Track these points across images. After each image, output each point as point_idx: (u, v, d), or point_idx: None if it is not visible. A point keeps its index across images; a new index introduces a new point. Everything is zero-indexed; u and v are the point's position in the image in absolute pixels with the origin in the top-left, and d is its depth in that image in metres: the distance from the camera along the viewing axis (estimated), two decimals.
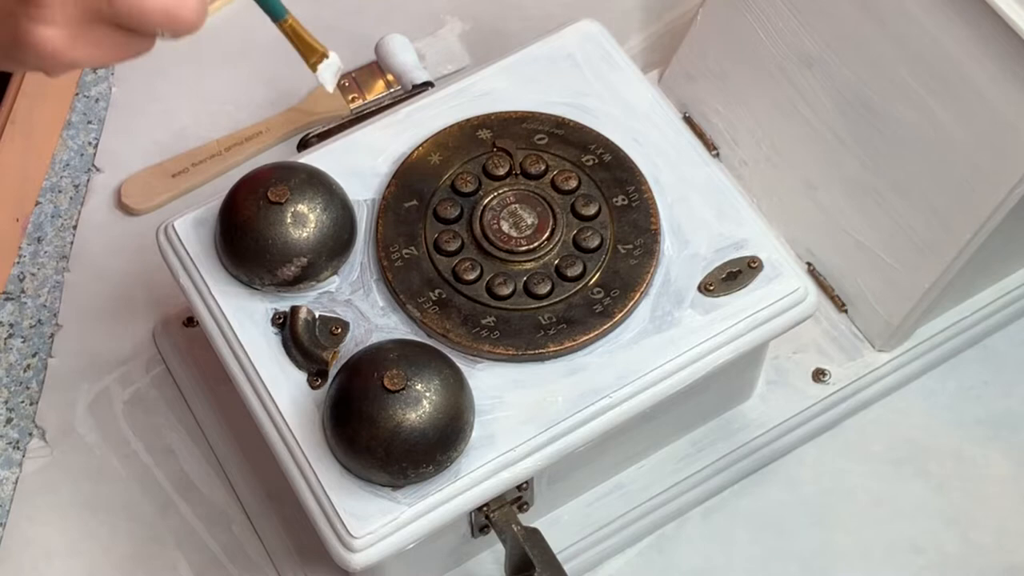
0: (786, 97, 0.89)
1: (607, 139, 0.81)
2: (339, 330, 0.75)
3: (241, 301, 0.77)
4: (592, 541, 0.83)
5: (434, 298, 0.76)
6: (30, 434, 0.89)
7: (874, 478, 0.86)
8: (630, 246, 0.78)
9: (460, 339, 0.75)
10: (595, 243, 0.77)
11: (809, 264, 0.90)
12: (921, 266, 0.84)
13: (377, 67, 0.99)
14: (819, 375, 0.88)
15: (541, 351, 0.75)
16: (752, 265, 0.77)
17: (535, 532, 0.74)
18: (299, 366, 0.75)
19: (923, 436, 0.88)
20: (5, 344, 0.91)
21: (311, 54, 0.70)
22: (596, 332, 0.75)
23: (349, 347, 0.75)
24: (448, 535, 0.77)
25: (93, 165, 0.99)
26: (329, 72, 0.71)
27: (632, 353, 0.75)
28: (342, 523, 0.71)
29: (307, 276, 0.76)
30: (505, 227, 0.77)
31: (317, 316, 0.76)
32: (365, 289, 0.77)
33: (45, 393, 0.90)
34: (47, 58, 0.62)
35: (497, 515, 0.75)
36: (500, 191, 0.79)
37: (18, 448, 0.88)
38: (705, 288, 0.77)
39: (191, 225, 0.79)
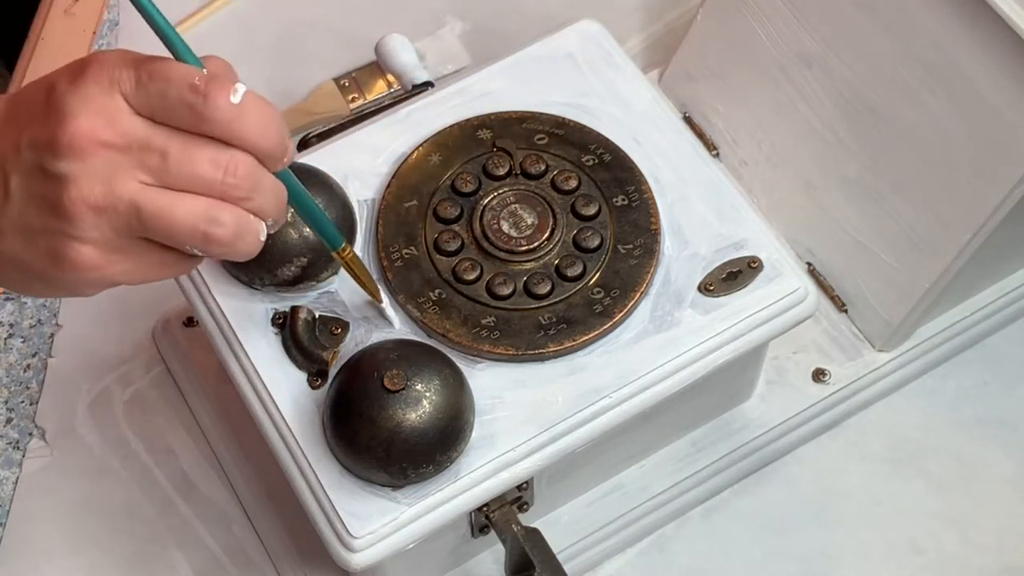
0: (786, 97, 0.89)
1: (607, 139, 0.81)
2: (339, 330, 0.75)
3: (241, 301, 0.77)
4: (592, 541, 0.83)
5: (434, 298, 0.76)
6: (30, 434, 0.89)
7: (874, 478, 0.86)
8: (630, 246, 0.78)
9: (460, 339, 0.75)
10: (595, 243, 0.77)
11: (809, 264, 0.90)
12: (921, 266, 0.84)
13: (377, 67, 0.99)
14: (819, 375, 0.88)
15: (541, 351, 0.75)
16: (752, 265, 0.77)
17: (535, 532, 0.74)
18: (299, 366, 0.75)
19: (923, 436, 0.88)
20: (5, 344, 0.91)
21: (370, 287, 0.74)
22: (596, 332, 0.75)
23: (349, 347, 0.75)
24: (448, 535, 0.77)
25: None
26: (388, 311, 0.76)
27: (632, 353, 0.75)
28: (342, 523, 0.71)
29: (307, 276, 0.76)
30: (505, 227, 0.77)
31: (317, 316, 0.75)
32: None
33: (45, 393, 0.90)
34: (83, 274, 0.61)
35: (497, 515, 0.75)
36: (500, 191, 0.79)
37: (18, 448, 0.88)
38: (705, 288, 0.77)
39: None
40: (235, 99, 0.60)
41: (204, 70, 0.60)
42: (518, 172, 0.80)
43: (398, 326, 0.76)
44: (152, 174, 0.60)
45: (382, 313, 0.76)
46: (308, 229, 0.75)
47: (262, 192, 0.61)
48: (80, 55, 1.01)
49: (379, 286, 0.75)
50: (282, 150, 0.62)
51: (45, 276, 0.62)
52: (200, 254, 0.62)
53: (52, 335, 0.92)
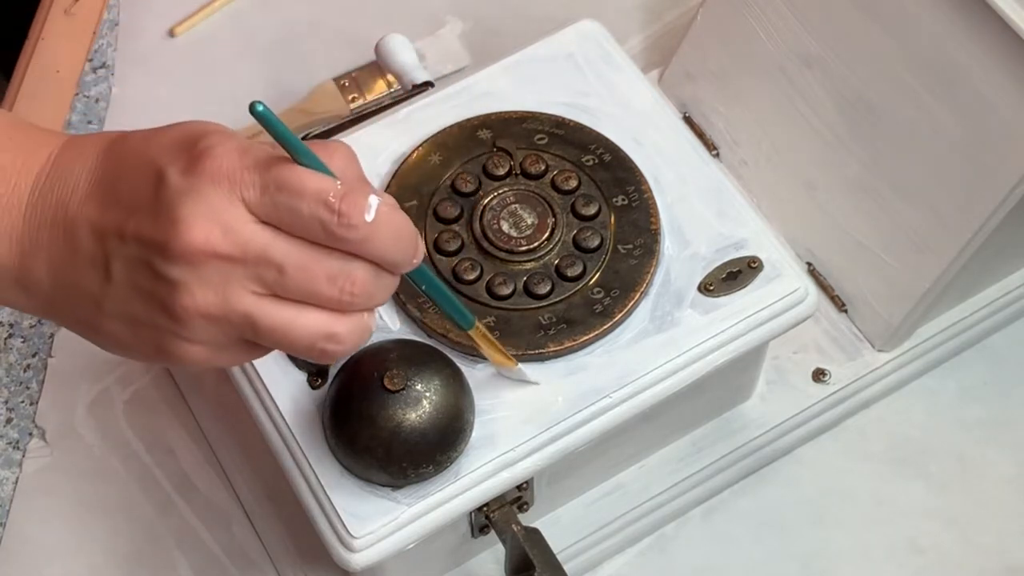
0: (786, 97, 0.89)
1: (607, 139, 0.81)
2: None
3: None
4: (592, 541, 0.83)
5: None
6: (30, 434, 0.89)
7: (874, 478, 0.86)
8: (630, 246, 0.78)
9: (460, 339, 0.75)
10: (595, 243, 0.77)
11: (809, 264, 0.90)
12: (921, 266, 0.84)
13: (377, 67, 0.99)
14: (819, 375, 0.88)
15: (541, 351, 0.75)
16: (752, 265, 0.77)
17: (535, 532, 0.74)
18: (299, 366, 0.75)
19: (923, 436, 0.88)
20: (5, 344, 0.91)
21: (502, 357, 0.72)
22: (596, 332, 0.75)
23: None
24: (448, 535, 0.77)
25: None
26: (525, 372, 0.74)
27: (632, 353, 0.75)
28: (342, 523, 0.71)
29: None
30: (505, 227, 0.78)
31: None
32: None
33: (45, 393, 0.90)
34: (188, 366, 0.64)
35: (497, 515, 0.75)
36: (500, 191, 0.79)
37: (18, 448, 0.88)
38: (705, 288, 0.77)
39: None
40: (369, 216, 0.57)
41: (337, 181, 0.57)
42: (518, 172, 0.80)
43: (532, 379, 0.74)
44: (266, 286, 0.58)
45: (523, 376, 0.74)
46: None
47: (378, 297, 0.59)
48: (80, 55, 1.01)
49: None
50: (410, 259, 0.59)
51: (147, 357, 0.62)
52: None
53: (52, 335, 0.92)
